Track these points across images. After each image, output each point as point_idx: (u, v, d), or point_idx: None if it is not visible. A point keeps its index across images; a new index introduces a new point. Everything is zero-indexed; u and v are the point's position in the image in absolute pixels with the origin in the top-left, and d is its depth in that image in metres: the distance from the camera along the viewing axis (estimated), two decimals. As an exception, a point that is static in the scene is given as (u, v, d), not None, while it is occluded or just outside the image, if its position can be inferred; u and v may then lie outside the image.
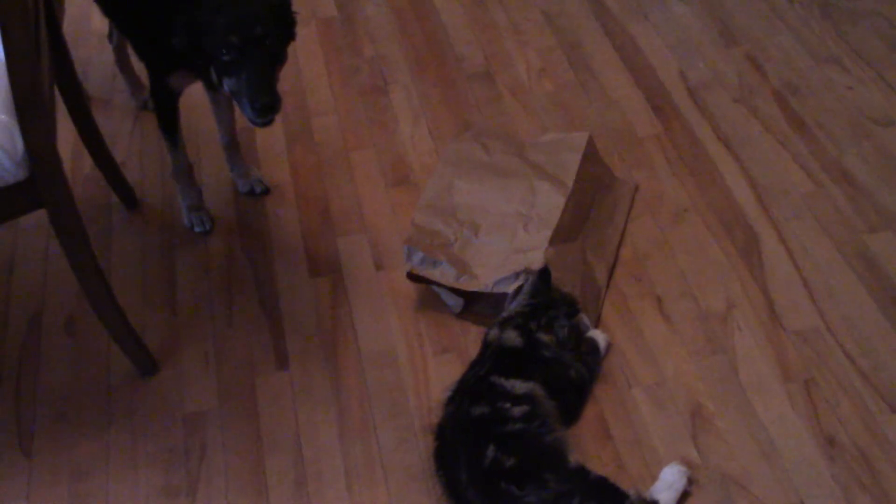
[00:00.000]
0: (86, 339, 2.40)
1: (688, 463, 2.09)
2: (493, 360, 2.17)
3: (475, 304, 2.37)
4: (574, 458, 2.02)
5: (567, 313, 2.24)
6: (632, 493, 1.96)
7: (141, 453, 2.18)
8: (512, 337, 2.19)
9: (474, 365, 2.20)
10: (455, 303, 2.38)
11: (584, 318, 2.31)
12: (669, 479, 2.02)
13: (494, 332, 2.22)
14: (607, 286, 2.46)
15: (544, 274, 2.26)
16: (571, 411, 2.19)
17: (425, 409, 2.22)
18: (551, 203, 2.43)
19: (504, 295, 2.30)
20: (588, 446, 2.14)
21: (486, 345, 2.23)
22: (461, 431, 2.04)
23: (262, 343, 2.38)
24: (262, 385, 2.29)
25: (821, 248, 2.53)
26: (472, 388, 2.12)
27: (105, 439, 2.21)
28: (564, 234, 2.41)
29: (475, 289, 2.32)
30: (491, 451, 1.96)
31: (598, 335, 2.30)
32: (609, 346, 2.31)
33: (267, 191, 2.75)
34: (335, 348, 2.36)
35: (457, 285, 2.34)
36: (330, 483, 2.11)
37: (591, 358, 2.26)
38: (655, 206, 2.66)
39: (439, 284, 2.36)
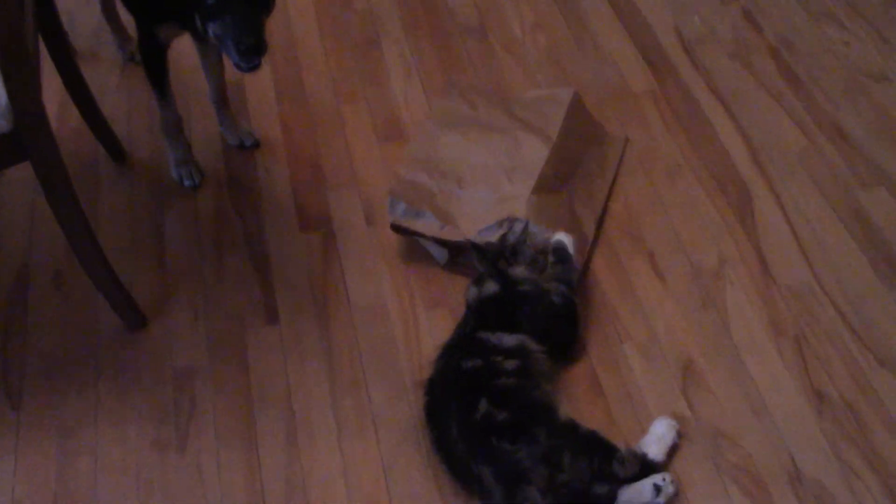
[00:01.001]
0: (74, 293, 2.39)
1: (678, 417, 2.10)
2: (475, 316, 2.18)
3: (461, 255, 2.37)
4: (565, 412, 2.02)
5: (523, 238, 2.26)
6: (621, 446, 1.97)
7: (130, 408, 2.17)
8: (489, 287, 2.19)
9: (460, 326, 2.20)
10: (441, 254, 2.39)
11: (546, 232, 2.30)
12: (659, 432, 2.03)
13: (472, 291, 2.22)
14: (595, 237, 2.45)
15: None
16: (568, 344, 2.20)
17: (416, 363, 2.22)
18: (535, 155, 2.43)
19: (488, 245, 2.30)
20: (580, 402, 2.15)
21: (467, 306, 2.22)
22: (453, 385, 2.05)
23: (252, 298, 2.37)
24: (252, 340, 2.29)
25: (814, 204, 2.52)
26: (461, 344, 2.13)
27: (93, 395, 2.20)
28: (549, 184, 2.41)
29: (458, 238, 2.32)
30: (483, 405, 1.96)
31: (563, 236, 2.27)
32: (576, 246, 2.28)
33: (257, 145, 2.73)
34: (326, 303, 2.35)
35: (440, 235, 2.34)
36: (321, 438, 2.11)
37: (564, 267, 2.24)
38: (649, 163, 2.65)
39: (423, 236, 2.36)
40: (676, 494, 1.96)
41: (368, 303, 2.35)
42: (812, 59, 2.93)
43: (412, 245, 2.44)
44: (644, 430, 2.06)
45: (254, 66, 2.14)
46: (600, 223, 2.49)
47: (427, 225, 2.35)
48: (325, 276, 2.41)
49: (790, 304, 2.30)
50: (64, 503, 2.03)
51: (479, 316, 2.17)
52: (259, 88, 2.91)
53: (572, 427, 1.98)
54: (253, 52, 2.11)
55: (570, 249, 2.26)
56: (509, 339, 2.10)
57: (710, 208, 2.53)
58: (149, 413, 2.17)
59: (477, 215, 2.35)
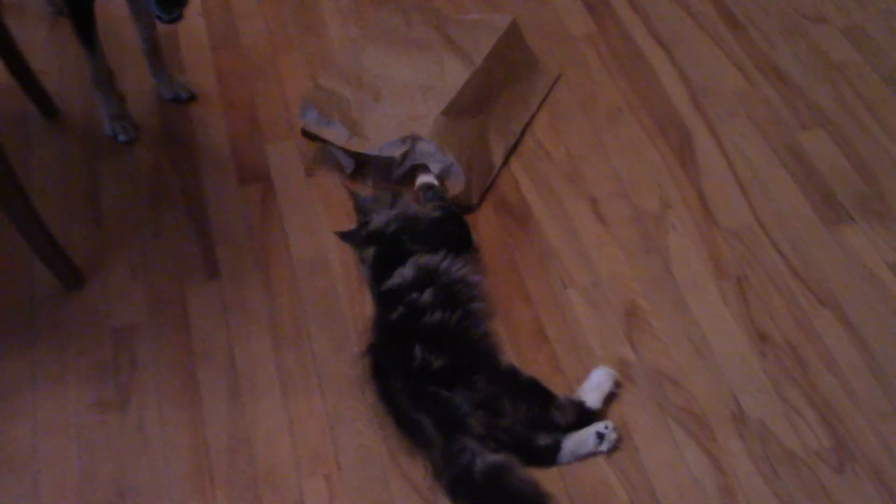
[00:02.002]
0: (7, 253, 2.33)
1: (623, 362, 2.11)
2: (375, 276, 2.17)
3: (366, 167, 2.44)
4: (505, 359, 2.02)
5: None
6: (560, 394, 1.98)
7: (69, 369, 2.14)
8: (369, 252, 2.20)
9: (373, 291, 2.19)
10: (348, 163, 2.44)
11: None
12: (596, 381, 2.04)
13: (364, 269, 2.22)
14: (503, 165, 2.49)
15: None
16: (465, 241, 2.23)
17: (359, 315, 2.21)
18: (455, 77, 2.45)
19: (391, 159, 2.35)
20: (524, 348, 2.15)
21: (368, 280, 2.21)
22: (388, 341, 2.04)
23: (191, 253, 2.34)
24: (192, 296, 2.25)
25: (754, 146, 2.53)
26: (382, 302, 2.11)
27: (31, 356, 2.16)
28: (463, 108, 2.42)
29: (363, 150, 2.37)
30: (419, 351, 1.96)
31: (424, 177, 2.34)
32: (436, 184, 2.33)
33: (192, 97, 2.67)
34: (267, 257, 2.32)
35: (346, 146, 2.38)
36: (264, 393, 2.09)
37: (434, 192, 2.31)
38: (589, 108, 2.64)
39: (331, 143, 2.40)
40: (620, 440, 1.98)
41: (310, 255, 2.32)
42: (750, 0, 2.92)
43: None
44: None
45: (175, 18, 2.09)
46: (512, 151, 2.52)
47: (335, 134, 2.39)
48: (265, 229, 2.38)
49: (732, 247, 2.31)
50: (2, 468, 1.99)
51: (378, 274, 2.15)
52: (193, 39, 2.84)
53: (512, 374, 1.99)
54: (172, 2, 2.05)
55: (435, 181, 2.32)
56: (408, 269, 2.09)
57: (651, 152, 2.52)
58: (88, 373, 2.13)
59: (385, 130, 2.37)
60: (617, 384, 2.05)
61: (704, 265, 2.27)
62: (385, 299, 2.10)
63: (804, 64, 2.73)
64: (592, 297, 2.23)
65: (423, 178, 2.34)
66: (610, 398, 2.04)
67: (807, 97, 2.64)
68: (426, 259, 2.11)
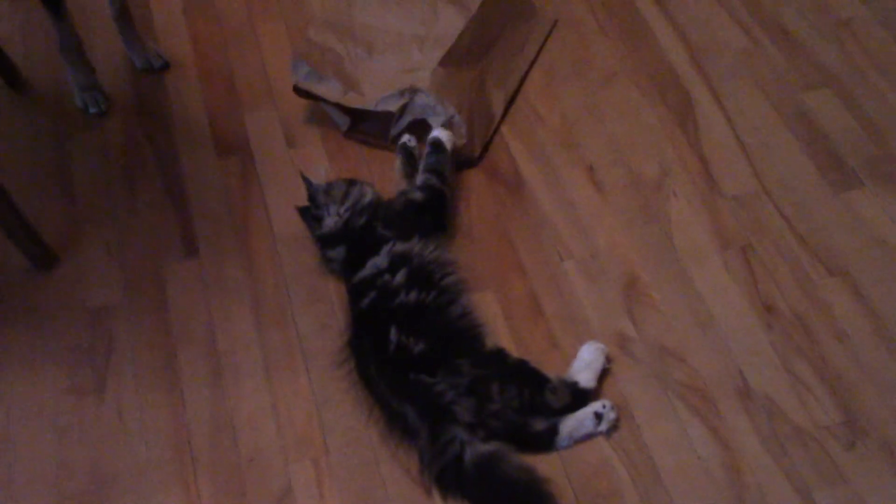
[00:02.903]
0: None
1: (623, 337, 2.09)
2: (343, 269, 2.16)
3: (362, 123, 2.41)
4: (491, 341, 2.00)
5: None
6: (552, 376, 1.95)
7: (43, 353, 2.12)
8: (338, 250, 2.17)
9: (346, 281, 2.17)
10: (343, 121, 2.41)
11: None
12: (587, 358, 2.01)
13: (331, 256, 2.19)
14: (503, 117, 2.46)
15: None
16: (438, 220, 2.20)
17: (344, 289, 2.17)
18: (451, 25, 2.42)
19: (389, 114, 2.33)
20: (519, 324, 2.12)
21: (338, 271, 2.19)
22: (361, 331, 2.02)
23: (169, 230, 2.31)
24: (171, 275, 2.23)
25: (757, 107, 2.50)
26: (354, 293, 2.09)
27: (2, 340, 2.14)
28: (461, 57, 2.40)
29: (360, 105, 2.34)
30: (394, 335, 1.94)
31: (440, 132, 2.28)
32: (454, 145, 2.29)
33: (166, 66, 2.64)
34: (247, 232, 2.30)
35: (342, 101, 2.35)
36: (248, 374, 2.07)
37: (438, 157, 2.25)
38: (584, 70, 2.61)
39: (326, 100, 2.37)
40: (619, 420, 1.96)
41: (292, 230, 2.29)
42: (752, -46, 2.89)
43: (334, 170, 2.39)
44: (588, 352, 2.05)
45: None
46: (510, 102, 2.48)
47: (330, 90, 2.36)
48: (245, 203, 2.36)
49: (736, 214, 2.28)
50: (-25, 457, 1.97)
51: (352, 269, 2.12)
52: (165, 4, 2.80)
53: (499, 356, 1.97)
54: None
55: (447, 145, 2.26)
56: (381, 260, 2.07)
57: (649, 115, 2.49)
58: (63, 357, 2.11)
59: (382, 83, 2.35)
60: (609, 359, 2.03)
61: (707, 234, 2.25)
62: (357, 290, 2.07)
63: (809, 20, 2.69)
64: (590, 270, 2.21)
65: (438, 133, 2.28)
66: (604, 375, 2.01)
67: (812, 55, 2.61)
68: (401, 247, 2.08)
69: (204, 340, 2.12)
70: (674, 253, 2.23)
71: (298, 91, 2.39)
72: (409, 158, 2.31)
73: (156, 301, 2.19)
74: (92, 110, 2.53)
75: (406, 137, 2.33)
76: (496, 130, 2.45)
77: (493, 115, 2.45)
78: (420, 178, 2.24)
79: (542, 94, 2.56)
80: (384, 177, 2.38)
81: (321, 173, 2.29)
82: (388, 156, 2.41)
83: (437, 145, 2.26)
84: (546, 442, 1.92)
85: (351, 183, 2.22)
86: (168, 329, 2.14)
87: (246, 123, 2.51)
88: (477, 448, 1.84)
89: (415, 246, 2.08)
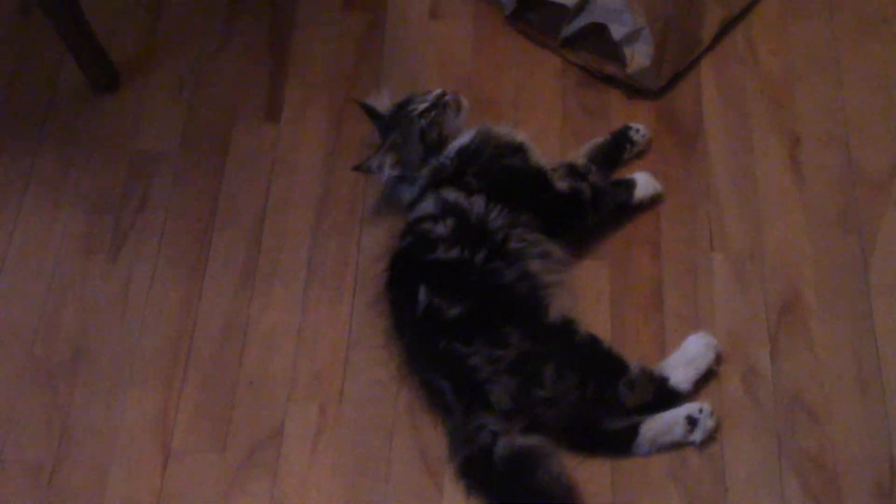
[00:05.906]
0: (40, 31, 2.32)
1: (750, 368, 1.91)
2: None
3: (529, 11, 2.30)
4: (563, 312, 1.82)
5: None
6: (633, 365, 1.80)
7: (68, 188, 2.15)
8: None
9: None
10: (509, 1, 2.30)
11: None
12: (692, 352, 1.86)
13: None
14: (710, 45, 2.25)
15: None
16: (552, 224, 1.97)
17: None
18: None
19: (563, 7, 2.21)
20: (627, 311, 1.97)
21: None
22: (393, 280, 1.92)
23: (256, 82, 2.28)
24: (240, 135, 2.21)
25: None
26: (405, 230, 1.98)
27: (29, 163, 2.17)
28: None
29: None
30: (423, 296, 1.81)
31: (644, 178, 2.05)
32: (657, 197, 2.06)
33: None
34: (343, 112, 2.23)
35: None
36: (284, 281, 2.04)
37: (619, 189, 2.03)
38: (839, 7, 2.31)
39: None
40: (717, 430, 1.81)
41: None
42: None
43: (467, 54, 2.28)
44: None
45: None
46: (726, 28, 2.27)
47: None
48: (354, 74, 2.28)
49: None
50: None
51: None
52: None
53: (565, 330, 1.81)
54: None
55: (637, 193, 2.04)
56: (428, 203, 1.93)
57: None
58: (90, 198, 2.13)
59: None
60: (719, 359, 1.87)
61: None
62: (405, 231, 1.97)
63: None
64: (744, 271, 2.01)
65: (640, 178, 2.06)
66: (706, 379, 1.85)
67: None
68: (471, 202, 1.89)
69: (249, 226, 2.10)
70: (864, 281, 1.98)
71: None
72: (616, 150, 2.10)
73: (212, 162, 2.17)
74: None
75: (636, 128, 2.11)
76: (697, 60, 2.22)
77: (699, 40, 2.23)
78: (583, 171, 2.03)
79: (770, 28, 2.30)
80: (531, 89, 2.21)
81: (385, 101, 2.11)
82: (549, 60, 2.25)
83: (628, 187, 2.04)
84: (621, 445, 1.80)
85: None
86: (214, 200, 2.13)
87: (391, -27, 2.43)
88: (513, 441, 1.74)
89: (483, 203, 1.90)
